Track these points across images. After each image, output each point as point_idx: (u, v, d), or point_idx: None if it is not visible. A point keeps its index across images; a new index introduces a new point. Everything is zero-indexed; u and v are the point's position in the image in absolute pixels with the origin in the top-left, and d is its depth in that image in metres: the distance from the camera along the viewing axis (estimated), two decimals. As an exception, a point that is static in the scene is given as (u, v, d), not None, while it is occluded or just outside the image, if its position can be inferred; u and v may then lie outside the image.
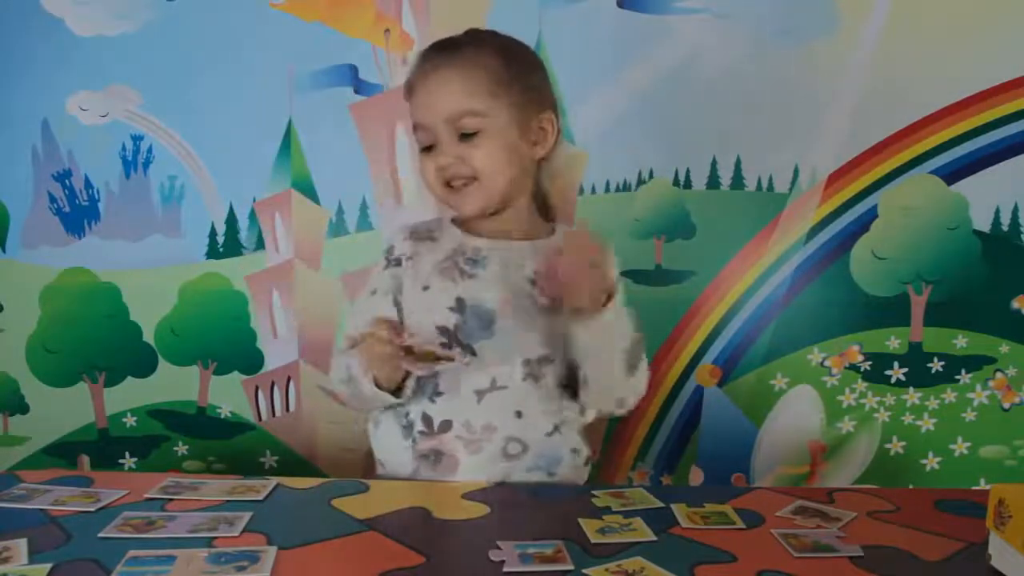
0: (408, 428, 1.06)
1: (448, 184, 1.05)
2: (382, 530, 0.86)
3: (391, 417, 1.08)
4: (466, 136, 1.03)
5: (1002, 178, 1.50)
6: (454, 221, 1.12)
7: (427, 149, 1.05)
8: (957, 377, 1.56)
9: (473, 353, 1.03)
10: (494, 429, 1.03)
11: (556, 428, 1.07)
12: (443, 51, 1.06)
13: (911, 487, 1.55)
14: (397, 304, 1.09)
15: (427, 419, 1.05)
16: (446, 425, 1.04)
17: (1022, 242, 1.52)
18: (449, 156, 1.03)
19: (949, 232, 1.52)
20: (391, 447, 1.08)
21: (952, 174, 1.51)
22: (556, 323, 1.04)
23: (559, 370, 1.07)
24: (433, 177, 1.05)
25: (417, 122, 1.05)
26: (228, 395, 1.56)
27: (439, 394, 1.04)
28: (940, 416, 1.57)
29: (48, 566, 0.76)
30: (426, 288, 1.07)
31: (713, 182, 1.51)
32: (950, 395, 1.57)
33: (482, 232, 1.09)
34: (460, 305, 1.04)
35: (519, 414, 1.04)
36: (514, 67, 1.06)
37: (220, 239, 1.51)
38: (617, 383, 1.05)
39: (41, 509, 0.90)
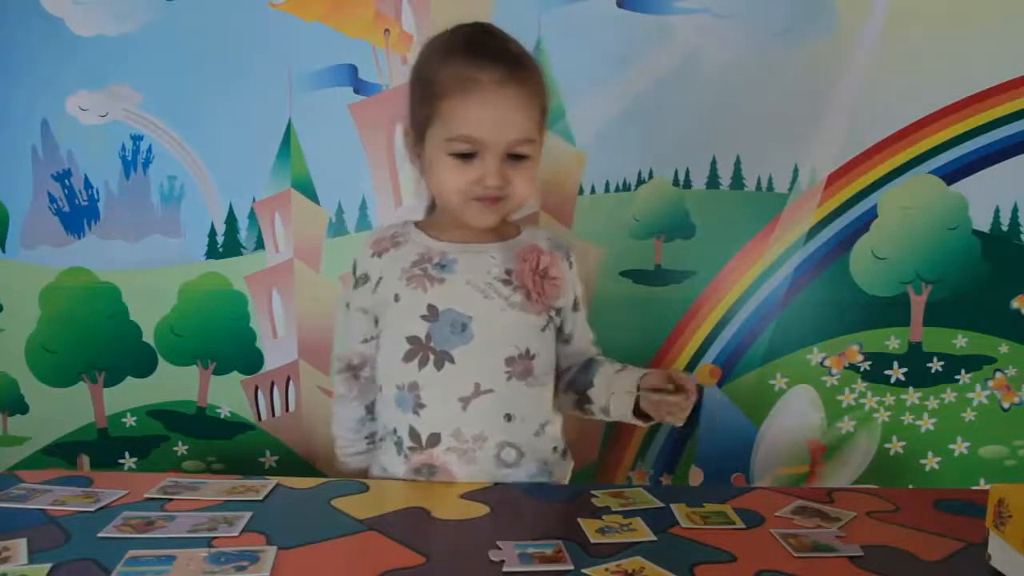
0: (399, 444, 1.05)
1: (475, 198, 1.00)
2: (382, 530, 0.86)
3: (387, 437, 1.08)
4: (513, 158, 0.99)
5: (1002, 178, 1.50)
6: (418, 225, 1.10)
7: (462, 157, 0.99)
8: (957, 377, 1.56)
9: (451, 360, 1.01)
10: (484, 438, 1.02)
11: (542, 427, 1.07)
12: (505, 62, 0.98)
13: (911, 487, 1.55)
14: (376, 321, 1.09)
15: (414, 434, 1.03)
16: (434, 439, 1.02)
17: (1022, 242, 1.52)
18: (498, 178, 0.98)
19: (949, 232, 1.52)
20: (389, 464, 1.08)
21: (952, 174, 1.51)
22: (531, 318, 1.04)
23: (547, 366, 1.07)
24: (464, 188, 0.99)
25: (464, 134, 0.98)
26: (228, 395, 1.55)
27: (422, 406, 1.02)
28: (940, 416, 1.57)
29: (48, 566, 0.76)
30: (396, 299, 1.04)
31: (713, 182, 1.51)
32: (950, 395, 1.57)
33: (452, 237, 1.06)
34: (432, 312, 1.02)
35: (508, 417, 1.03)
36: (547, 84, 1.04)
37: (220, 239, 1.51)
38: None
39: (41, 509, 0.90)
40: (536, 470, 1.06)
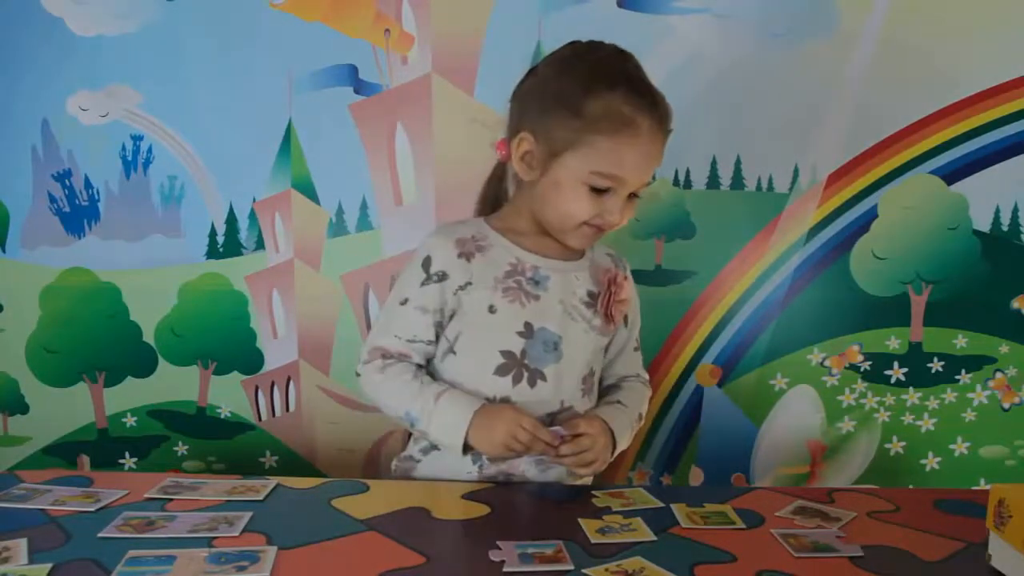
0: (478, 454, 1.04)
1: (587, 224, 1.03)
2: (382, 530, 0.87)
3: None
4: (632, 196, 1.03)
5: (1002, 178, 1.50)
6: (492, 227, 1.09)
7: (597, 191, 1.01)
8: (957, 377, 1.56)
9: (543, 378, 1.04)
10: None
11: None
12: (660, 107, 1.01)
13: (911, 487, 1.55)
14: (438, 324, 1.06)
15: None
16: None
17: (1022, 242, 1.52)
18: (621, 216, 1.02)
19: (949, 232, 1.52)
20: (450, 472, 1.06)
21: (952, 174, 1.51)
22: (601, 340, 1.09)
23: (597, 381, 1.13)
24: (585, 217, 1.02)
25: (611, 174, 1.00)
26: (228, 395, 1.55)
27: None
28: (940, 416, 1.57)
29: (48, 566, 0.77)
30: (492, 310, 1.03)
31: (713, 182, 1.51)
32: (950, 395, 1.57)
33: (538, 249, 1.07)
34: (528, 330, 1.04)
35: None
36: None
37: (220, 239, 1.51)
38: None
39: (41, 509, 0.90)
40: (590, 480, 1.11)
